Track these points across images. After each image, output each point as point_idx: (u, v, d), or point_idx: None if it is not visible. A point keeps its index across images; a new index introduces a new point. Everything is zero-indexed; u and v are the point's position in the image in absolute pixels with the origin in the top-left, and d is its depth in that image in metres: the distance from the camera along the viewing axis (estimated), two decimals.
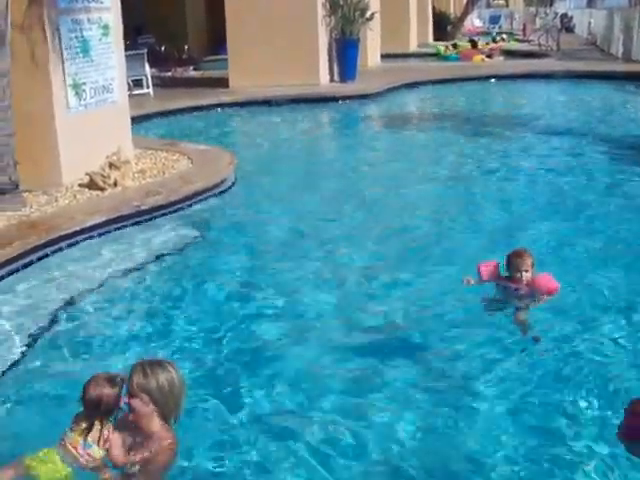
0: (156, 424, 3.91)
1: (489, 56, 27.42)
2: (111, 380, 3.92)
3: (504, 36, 36.87)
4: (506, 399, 4.84)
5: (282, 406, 4.85)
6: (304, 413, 4.75)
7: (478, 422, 4.61)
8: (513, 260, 5.99)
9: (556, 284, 6.01)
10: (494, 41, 32.03)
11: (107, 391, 3.87)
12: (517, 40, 35.96)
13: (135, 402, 3.87)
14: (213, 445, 4.38)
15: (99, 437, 3.91)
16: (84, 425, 3.92)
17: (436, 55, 28.85)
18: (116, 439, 3.94)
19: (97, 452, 3.90)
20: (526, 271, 5.94)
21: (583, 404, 4.71)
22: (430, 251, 7.71)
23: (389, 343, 5.71)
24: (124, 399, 3.90)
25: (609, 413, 4.55)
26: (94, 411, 3.90)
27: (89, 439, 3.90)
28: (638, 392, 4.74)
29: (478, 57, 27.09)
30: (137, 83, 17.51)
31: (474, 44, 29.41)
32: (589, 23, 35.49)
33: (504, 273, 6.10)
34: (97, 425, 3.92)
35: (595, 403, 4.70)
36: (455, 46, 29.57)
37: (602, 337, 5.62)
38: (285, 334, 5.85)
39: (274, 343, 5.71)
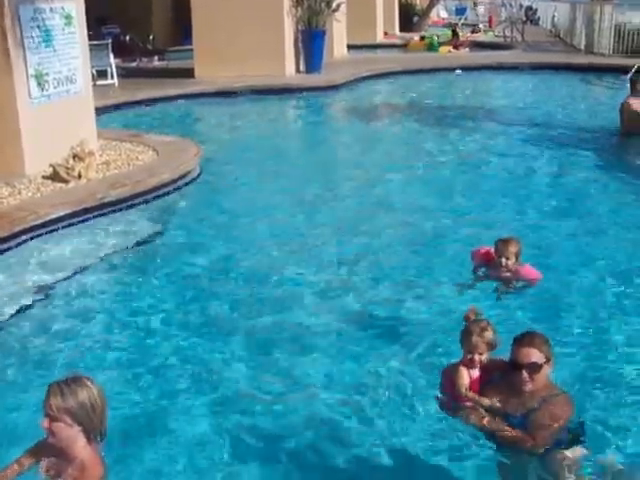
0: (80, 447, 3.61)
1: (456, 47, 27.46)
2: None
3: (481, 26, 37.20)
4: None
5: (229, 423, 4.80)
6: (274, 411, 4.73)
7: None
8: (498, 245, 6.21)
9: (538, 274, 6.22)
10: (473, 31, 32.30)
11: None
12: (494, 33, 35.94)
13: (57, 426, 3.53)
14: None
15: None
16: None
17: (430, 46, 28.36)
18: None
19: None
20: (507, 258, 6.11)
21: None
22: (403, 242, 7.73)
23: (374, 331, 5.74)
24: (43, 423, 3.55)
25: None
26: None
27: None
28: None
29: (445, 48, 27.13)
30: (101, 73, 17.29)
31: (455, 34, 29.46)
32: (553, 16, 35.68)
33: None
34: None
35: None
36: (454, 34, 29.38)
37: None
38: (250, 326, 5.82)
39: (238, 336, 5.67)
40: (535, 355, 3.96)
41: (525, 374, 3.95)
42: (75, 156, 9.45)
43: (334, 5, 20.02)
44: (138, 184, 9.11)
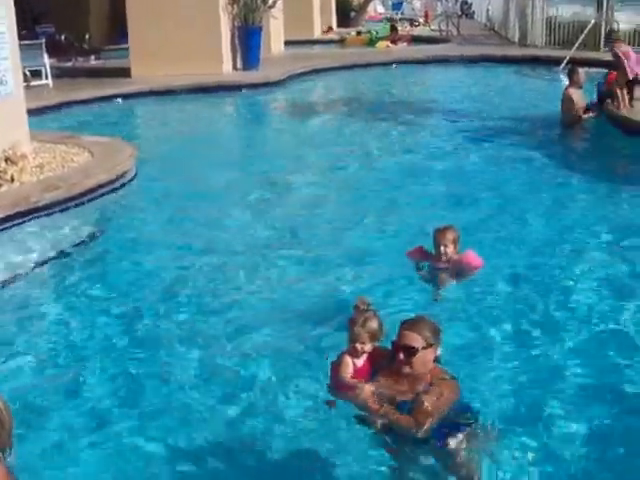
0: None
1: (394, 42, 27.58)
2: None
3: (420, 20, 37.53)
4: None
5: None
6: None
7: None
8: (435, 236, 6.26)
9: (480, 261, 6.28)
10: (411, 25, 32.52)
11: None
12: (430, 28, 36.16)
13: None
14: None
15: None
16: None
17: (370, 41, 28.36)
18: None
19: None
20: (445, 246, 6.16)
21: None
22: (347, 242, 7.73)
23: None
24: None
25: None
26: None
27: None
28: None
29: (383, 43, 27.23)
30: (35, 74, 16.98)
31: (394, 28, 29.58)
32: (487, 9, 36.10)
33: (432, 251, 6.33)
34: None
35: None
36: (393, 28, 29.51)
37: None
38: (188, 330, 5.78)
39: (175, 340, 5.63)
40: (414, 339, 3.97)
41: (402, 357, 3.98)
42: (7, 159, 9.28)
43: (270, 2, 19.96)
44: (73, 186, 8.98)
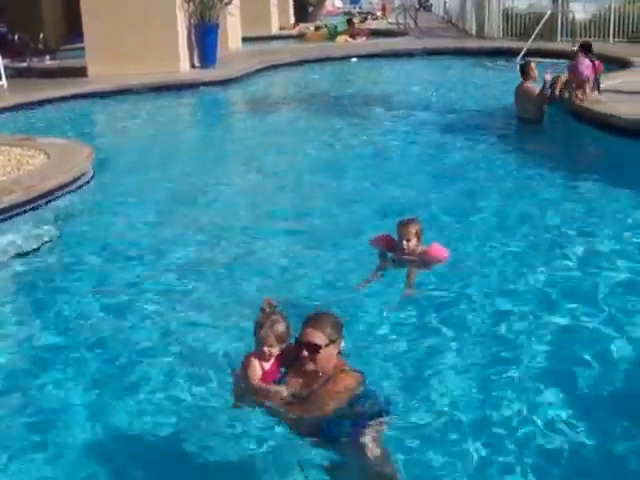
0: None
1: (353, 37, 27.56)
2: None
3: (378, 13, 37.66)
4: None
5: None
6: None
7: None
8: (398, 229, 6.23)
9: (445, 253, 6.27)
10: (366, 19, 32.62)
11: None
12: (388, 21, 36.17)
13: None
14: None
15: None
16: None
17: (330, 35, 28.38)
18: None
19: None
20: (408, 240, 6.14)
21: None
22: (314, 235, 7.67)
23: None
24: None
25: None
26: None
27: None
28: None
29: (342, 38, 27.21)
30: None
31: (351, 22, 29.58)
32: (445, 2, 36.25)
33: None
34: None
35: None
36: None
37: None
38: (155, 338, 5.67)
39: (140, 344, 5.53)
40: (316, 336, 3.97)
41: (305, 353, 3.97)
42: None
43: None
44: (29, 189, 8.81)
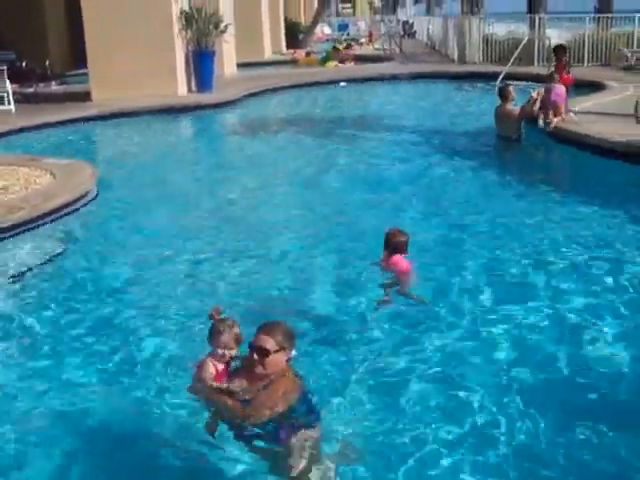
0: None
1: (342, 62, 27.78)
2: None
3: (363, 40, 37.95)
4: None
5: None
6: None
7: None
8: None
9: (405, 265, 6.28)
10: (351, 46, 32.88)
11: None
12: (374, 47, 36.39)
13: None
14: None
15: None
16: None
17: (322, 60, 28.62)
18: None
19: None
20: (384, 249, 6.25)
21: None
22: (309, 253, 7.68)
23: None
24: None
25: None
26: None
27: None
28: None
29: (331, 63, 27.41)
30: None
31: (336, 49, 29.89)
32: (428, 29, 36.49)
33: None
34: None
35: None
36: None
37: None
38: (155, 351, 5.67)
39: (138, 357, 5.56)
40: (267, 342, 4.08)
41: (255, 357, 4.09)
42: None
43: (222, 27, 19.98)
44: (36, 207, 8.85)
